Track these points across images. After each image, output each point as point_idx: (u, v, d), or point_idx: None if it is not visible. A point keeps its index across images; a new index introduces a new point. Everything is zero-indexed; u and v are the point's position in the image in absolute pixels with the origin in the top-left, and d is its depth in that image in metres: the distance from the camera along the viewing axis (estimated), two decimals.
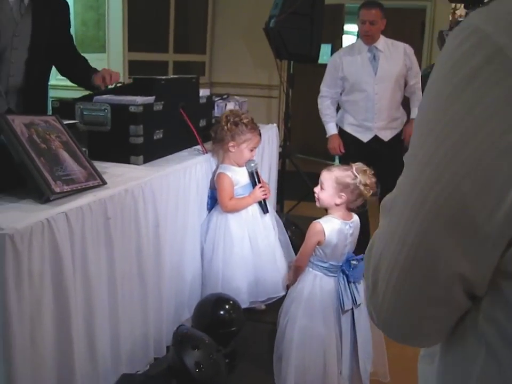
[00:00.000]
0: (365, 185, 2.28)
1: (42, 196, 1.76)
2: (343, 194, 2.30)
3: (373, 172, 2.32)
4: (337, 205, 2.32)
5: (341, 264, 2.32)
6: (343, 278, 2.31)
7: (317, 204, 2.38)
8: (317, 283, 2.33)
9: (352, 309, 2.31)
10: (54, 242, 1.65)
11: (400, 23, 7.10)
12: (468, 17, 0.63)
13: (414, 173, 0.65)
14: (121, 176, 2.18)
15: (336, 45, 7.26)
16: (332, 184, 2.31)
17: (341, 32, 7.65)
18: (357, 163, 2.34)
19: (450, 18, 8.78)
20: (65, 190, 1.81)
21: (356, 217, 2.40)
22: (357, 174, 2.28)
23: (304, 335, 2.29)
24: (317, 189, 2.37)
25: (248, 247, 2.74)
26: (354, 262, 2.34)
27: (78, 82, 3.16)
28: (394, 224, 0.67)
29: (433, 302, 0.65)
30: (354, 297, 2.31)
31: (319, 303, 2.31)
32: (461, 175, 0.59)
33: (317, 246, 2.32)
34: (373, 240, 0.73)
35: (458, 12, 10.53)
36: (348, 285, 2.31)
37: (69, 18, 2.97)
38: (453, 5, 9.26)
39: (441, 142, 0.61)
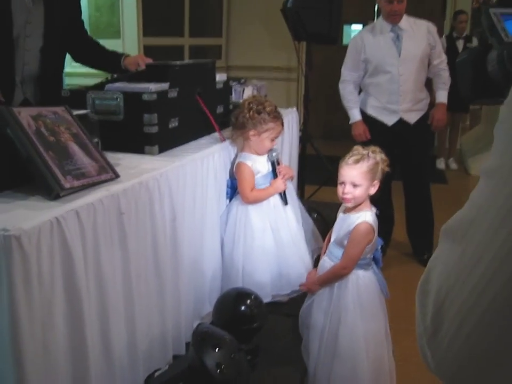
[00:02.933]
0: (384, 161, 2.20)
1: (51, 192, 1.66)
2: (376, 181, 2.20)
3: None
4: (371, 195, 2.22)
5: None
6: (375, 266, 2.27)
7: (350, 204, 2.21)
8: (361, 282, 2.22)
9: None
10: (64, 241, 1.56)
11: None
12: None
13: (507, 192, 0.50)
14: (135, 168, 2.08)
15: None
16: (365, 176, 2.18)
17: (373, 12, 7.46)
18: (356, 146, 2.27)
19: None
20: (75, 185, 1.71)
21: None
22: (375, 156, 2.19)
23: (368, 341, 2.21)
24: (347, 189, 2.17)
25: (270, 239, 2.62)
26: (379, 247, 2.29)
27: (100, 67, 3.10)
28: (474, 255, 0.52)
29: None
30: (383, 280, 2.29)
31: (369, 301, 2.23)
32: None
33: None
34: (430, 270, 0.59)
35: None
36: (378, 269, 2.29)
37: (80, 2, 2.89)
38: None
39: None
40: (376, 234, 2.21)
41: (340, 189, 2.21)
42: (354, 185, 2.17)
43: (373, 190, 2.20)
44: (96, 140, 2.07)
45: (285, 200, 2.68)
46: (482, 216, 0.52)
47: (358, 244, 2.18)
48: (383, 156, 2.20)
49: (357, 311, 2.20)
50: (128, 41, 5.94)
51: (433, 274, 0.58)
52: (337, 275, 2.23)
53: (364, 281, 2.23)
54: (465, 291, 0.52)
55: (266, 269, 2.61)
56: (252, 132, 2.60)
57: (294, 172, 3.51)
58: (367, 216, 2.18)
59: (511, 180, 0.50)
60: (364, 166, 2.17)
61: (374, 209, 2.24)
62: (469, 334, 0.52)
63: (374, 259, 2.29)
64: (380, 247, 2.31)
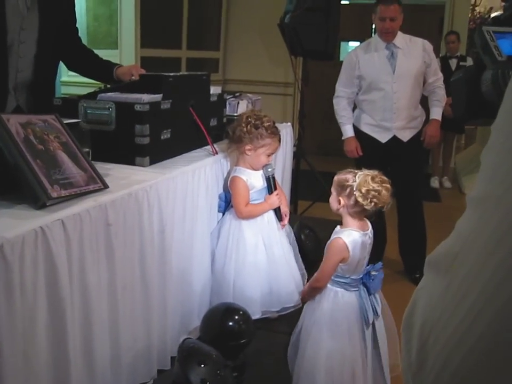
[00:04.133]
0: (360, 191, 2.10)
1: (38, 201, 1.64)
2: (340, 198, 2.17)
3: (381, 180, 2.13)
4: (338, 209, 2.20)
5: (361, 276, 2.19)
6: (364, 291, 2.18)
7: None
8: (339, 300, 2.18)
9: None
10: (48, 252, 1.53)
11: (417, 19, 6.95)
12: None
13: (495, 223, 0.46)
14: (125, 179, 2.06)
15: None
16: (334, 186, 2.21)
17: (370, 30, 7.50)
18: (372, 170, 2.18)
19: (470, 15, 8.62)
20: (62, 195, 1.69)
21: (370, 225, 2.25)
22: (356, 178, 2.13)
23: (332, 359, 2.16)
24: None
25: (263, 255, 2.59)
26: (374, 273, 2.20)
27: (93, 77, 3.08)
28: (459, 290, 0.49)
29: None
30: (375, 308, 2.19)
31: (344, 321, 2.17)
32: None
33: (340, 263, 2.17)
34: (415, 302, 0.56)
35: (478, 9, 10.38)
36: (369, 297, 2.20)
37: (74, 10, 2.88)
38: (472, 1, 9.09)
39: None
40: (351, 254, 2.14)
41: None
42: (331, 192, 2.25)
43: (338, 206, 2.19)
44: (86, 149, 2.05)
45: (279, 216, 2.67)
46: (468, 248, 0.49)
47: (329, 258, 2.17)
48: (365, 185, 2.10)
49: (323, 327, 2.17)
50: (125, 52, 5.95)
51: (418, 307, 0.55)
52: (313, 287, 2.24)
53: (342, 301, 2.19)
54: (450, 327, 0.49)
55: (257, 285, 2.58)
56: (248, 147, 2.57)
57: (287, 186, 3.49)
58: (344, 233, 2.16)
59: (500, 208, 0.46)
60: (339, 176, 2.20)
61: (366, 232, 2.20)
62: (454, 373, 0.49)
63: (364, 284, 2.21)
64: (375, 272, 2.22)
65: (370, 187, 2.09)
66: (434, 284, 0.53)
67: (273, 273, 2.61)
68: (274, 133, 2.60)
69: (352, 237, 2.16)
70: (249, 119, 2.58)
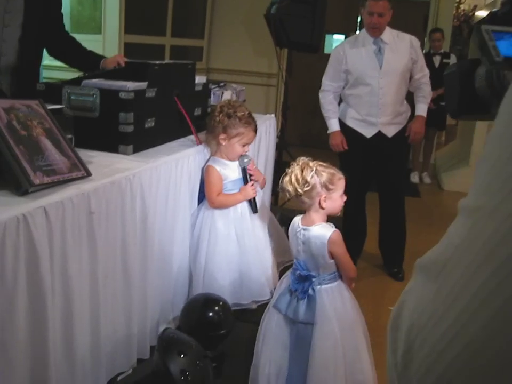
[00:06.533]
0: (296, 185, 2.16)
1: (20, 187, 1.62)
2: None
3: (299, 170, 2.16)
4: None
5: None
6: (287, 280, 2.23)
7: None
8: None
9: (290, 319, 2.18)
10: (30, 239, 1.52)
11: (402, 15, 6.95)
12: None
13: (487, 234, 0.46)
14: (108, 167, 2.04)
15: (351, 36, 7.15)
16: None
17: (355, 23, 7.50)
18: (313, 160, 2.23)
19: (454, 13, 8.67)
20: (45, 182, 1.67)
21: (315, 230, 2.14)
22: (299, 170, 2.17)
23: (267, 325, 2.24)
24: None
25: (235, 246, 2.59)
26: (298, 272, 2.16)
27: (74, 65, 3.05)
28: (448, 297, 0.48)
29: None
30: (287, 307, 2.16)
31: (278, 290, 2.26)
32: None
33: None
34: (402, 303, 0.55)
35: (462, 6, 10.43)
36: (289, 289, 2.19)
37: None
38: None
39: None
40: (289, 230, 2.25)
41: None
42: None
43: None
44: (69, 136, 2.03)
45: (254, 208, 2.66)
46: (459, 256, 0.49)
47: None
48: (299, 187, 2.14)
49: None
50: (108, 38, 5.87)
51: (405, 310, 0.54)
52: None
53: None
54: (437, 334, 0.49)
55: (226, 276, 2.58)
56: (221, 136, 2.58)
57: (269, 177, 3.49)
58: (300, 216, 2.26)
59: (494, 219, 0.46)
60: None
61: (301, 226, 2.19)
62: (439, 378, 0.49)
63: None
64: (298, 271, 2.17)
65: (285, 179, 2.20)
66: (423, 289, 0.53)
67: (244, 264, 2.62)
68: (248, 123, 2.60)
69: (295, 219, 2.25)
70: (223, 109, 2.59)
